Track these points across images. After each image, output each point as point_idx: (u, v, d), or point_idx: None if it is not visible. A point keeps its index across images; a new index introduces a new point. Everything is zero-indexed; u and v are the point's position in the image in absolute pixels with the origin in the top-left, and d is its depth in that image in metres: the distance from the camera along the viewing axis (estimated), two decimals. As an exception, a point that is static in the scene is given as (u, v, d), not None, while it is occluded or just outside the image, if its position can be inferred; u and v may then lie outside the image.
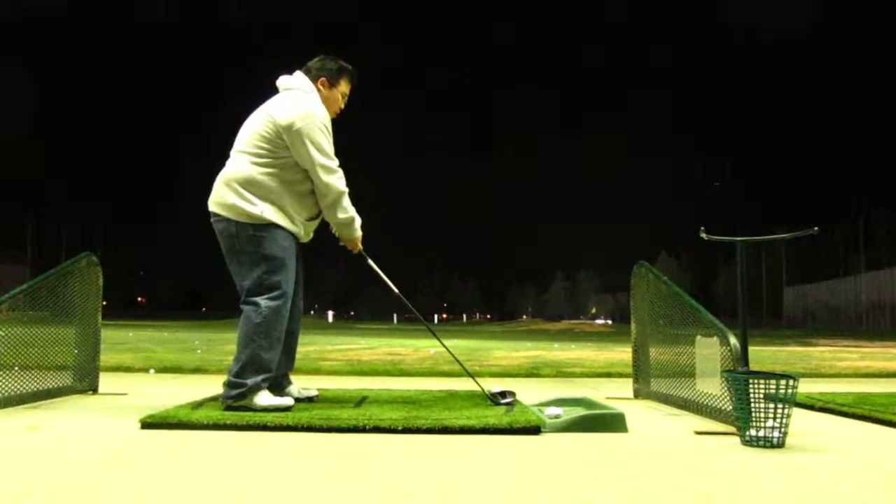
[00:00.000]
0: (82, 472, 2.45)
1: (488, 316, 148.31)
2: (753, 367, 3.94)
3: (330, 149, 3.84)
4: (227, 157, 3.93)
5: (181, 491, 2.22)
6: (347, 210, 3.94)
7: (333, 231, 4.05)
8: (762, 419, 3.03)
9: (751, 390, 3.04)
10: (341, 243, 4.10)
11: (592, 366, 8.21)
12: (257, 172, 3.78)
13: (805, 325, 58.47)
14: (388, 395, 4.45)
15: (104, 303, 4.86)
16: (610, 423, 3.44)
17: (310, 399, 4.10)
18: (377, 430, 3.26)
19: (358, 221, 4.02)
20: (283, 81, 4.02)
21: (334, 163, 3.85)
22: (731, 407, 3.29)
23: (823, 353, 13.29)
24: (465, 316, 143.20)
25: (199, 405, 3.78)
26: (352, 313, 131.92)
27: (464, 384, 5.46)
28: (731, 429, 3.32)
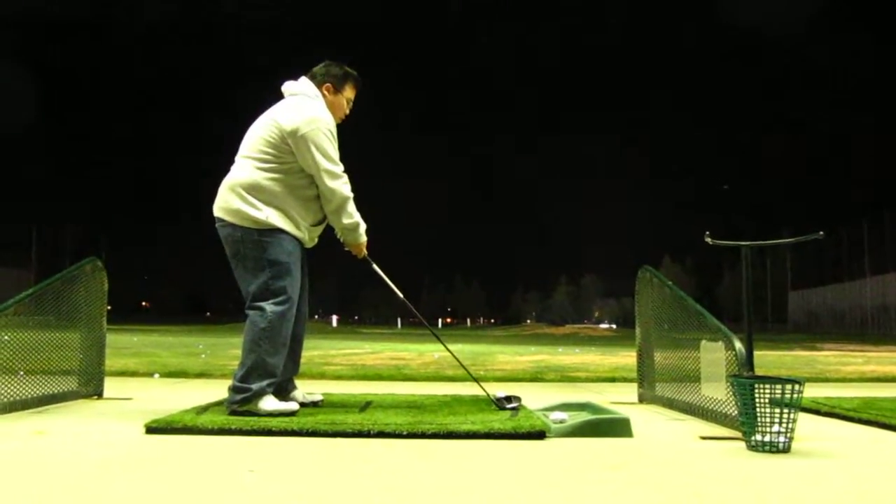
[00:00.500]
0: (88, 477, 2.45)
1: (492, 320, 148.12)
2: (758, 371, 3.94)
3: (335, 154, 3.85)
4: (232, 162, 3.95)
5: (186, 496, 2.22)
6: (353, 215, 3.94)
7: (338, 236, 4.06)
8: (768, 424, 3.02)
9: (756, 395, 3.03)
10: (346, 248, 4.10)
11: (597, 370, 8.20)
12: (262, 178, 3.78)
13: (810, 330, 58.30)
14: (393, 399, 4.45)
15: (109, 307, 4.87)
16: (615, 427, 3.43)
17: (314, 404, 4.10)
18: (382, 434, 3.26)
19: (363, 227, 4.02)
20: (288, 87, 4.03)
21: (339, 168, 3.85)
22: (736, 412, 3.28)
23: (828, 357, 13.25)
24: (468, 320, 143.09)
25: (203, 410, 3.78)
26: (356, 318, 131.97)
27: (468, 389, 5.46)
28: (737, 434, 3.31)
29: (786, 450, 3.02)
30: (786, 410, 2.99)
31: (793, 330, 60.29)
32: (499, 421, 3.50)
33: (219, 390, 4.47)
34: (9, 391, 3.88)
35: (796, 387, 2.99)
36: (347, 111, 4.13)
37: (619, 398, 5.00)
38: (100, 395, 4.71)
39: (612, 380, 6.98)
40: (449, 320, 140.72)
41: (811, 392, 4.33)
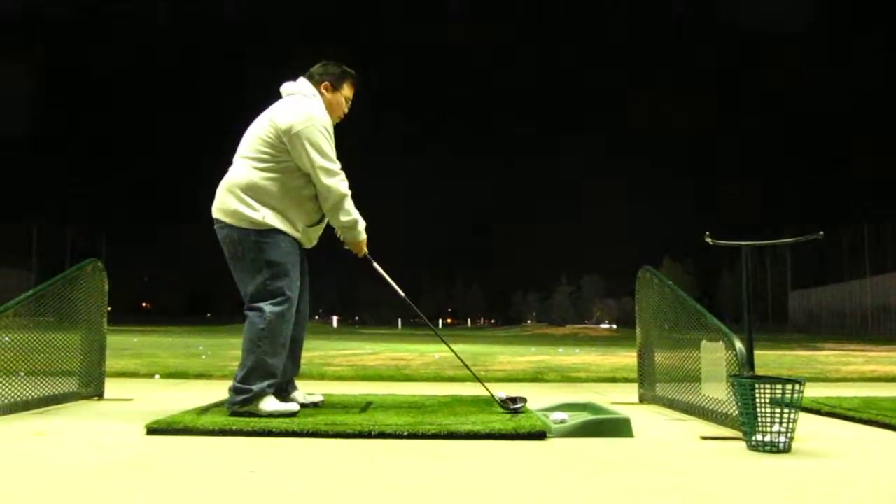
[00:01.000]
0: (88, 478, 2.45)
1: (492, 321, 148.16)
2: (759, 371, 3.94)
3: (331, 151, 3.84)
4: (230, 163, 3.95)
5: (187, 497, 2.22)
6: (350, 212, 3.92)
7: (338, 235, 4.05)
8: (768, 424, 3.02)
9: (757, 395, 3.03)
10: (346, 247, 4.09)
11: (597, 370, 8.20)
12: (259, 177, 3.78)
13: (810, 330, 58.29)
14: (394, 400, 4.45)
15: (109, 308, 4.87)
16: (615, 428, 3.43)
17: (315, 405, 4.10)
18: (383, 435, 3.26)
19: (362, 224, 4.01)
20: (286, 87, 4.04)
21: (336, 165, 3.84)
22: (736, 412, 3.28)
23: (829, 357, 13.24)
24: (469, 321, 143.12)
25: (204, 411, 3.78)
26: (356, 318, 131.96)
27: (469, 389, 5.46)
28: (737, 434, 3.32)
29: (786, 450, 3.02)
30: (786, 410, 2.99)
31: (793, 330, 60.28)
32: (500, 421, 3.50)
33: (219, 391, 4.47)
34: (10, 392, 3.88)
35: (797, 387, 2.99)
36: (346, 110, 4.13)
37: (619, 398, 5.00)
38: (100, 396, 4.71)
39: (613, 380, 6.98)
40: (449, 321, 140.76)
41: (812, 392, 4.33)
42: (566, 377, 7.30)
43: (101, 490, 2.29)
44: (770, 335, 37.67)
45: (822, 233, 4.73)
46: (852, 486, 2.48)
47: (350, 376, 7.05)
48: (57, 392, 4.30)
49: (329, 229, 4.10)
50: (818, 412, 4.34)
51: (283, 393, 3.98)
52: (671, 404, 4.40)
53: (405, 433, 3.28)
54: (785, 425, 3.01)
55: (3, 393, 3.83)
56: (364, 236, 4.04)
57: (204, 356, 10.25)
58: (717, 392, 3.70)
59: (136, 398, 4.79)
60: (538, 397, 4.79)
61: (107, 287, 4.82)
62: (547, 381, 6.97)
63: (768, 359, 11.08)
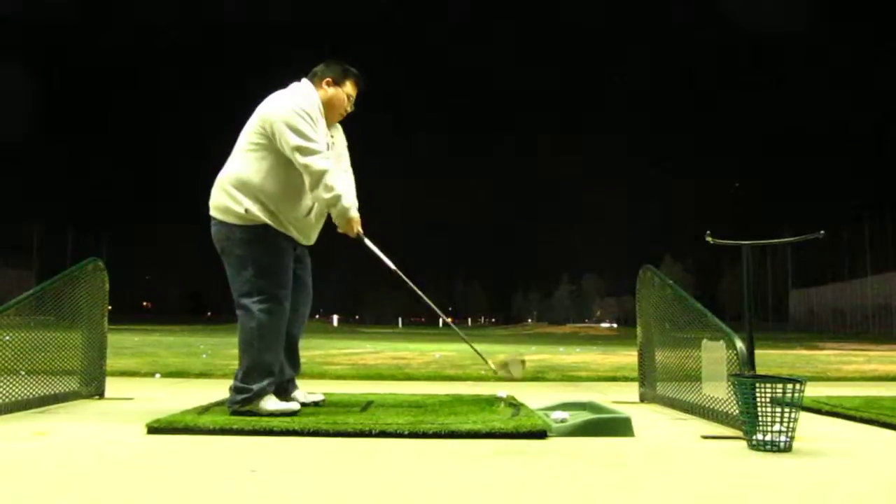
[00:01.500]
0: (89, 478, 2.45)
1: (493, 320, 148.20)
2: (760, 370, 3.93)
3: (310, 132, 3.72)
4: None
5: (188, 496, 2.22)
6: (332, 188, 3.76)
7: (333, 219, 3.92)
8: (769, 423, 3.02)
9: (757, 394, 3.03)
10: (340, 230, 3.95)
11: (598, 369, 8.20)
12: (247, 170, 3.76)
13: (811, 329, 58.32)
14: (394, 399, 4.45)
15: (110, 307, 4.87)
16: (616, 427, 3.43)
17: (316, 404, 4.10)
18: (383, 434, 3.26)
19: (347, 200, 3.84)
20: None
21: (313, 144, 3.71)
22: (737, 411, 3.28)
23: (829, 356, 13.24)
24: (469, 320, 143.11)
25: (205, 410, 3.78)
26: (356, 317, 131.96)
27: (469, 388, 5.46)
28: (738, 433, 3.31)
29: (787, 449, 3.02)
30: (787, 409, 2.99)
31: (794, 329, 60.30)
32: (500, 420, 3.50)
33: (220, 390, 4.47)
34: (10, 391, 3.88)
35: (797, 386, 2.99)
36: (349, 108, 4.07)
37: (620, 397, 4.99)
38: (101, 395, 4.71)
39: (614, 379, 6.98)
40: (450, 320, 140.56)
41: (812, 391, 4.33)
42: (567, 376, 7.30)
43: (102, 490, 2.29)
44: (771, 334, 37.67)
45: (822, 232, 4.73)
46: (853, 485, 2.47)
47: (351, 375, 7.05)
48: (57, 391, 4.30)
49: (327, 228, 4.09)
50: (819, 411, 4.34)
51: (284, 392, 3.98)
52: (672, 403, 4.40)
53: (406, 432, 3.28)
54: (786, 424, 3.00)
55: (4, 392, 3.83)
56: (353, 213, 3.88)
57: (204, 355, 10.25)
58: (718, 391, 3.70)
59: (137, 397, 4.79)
60: (539, 396, 4.79)
61: (107, 286, 4.82)
62: (548, 380, 6.98)
63: (769, 358, 11.08)
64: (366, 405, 4.10)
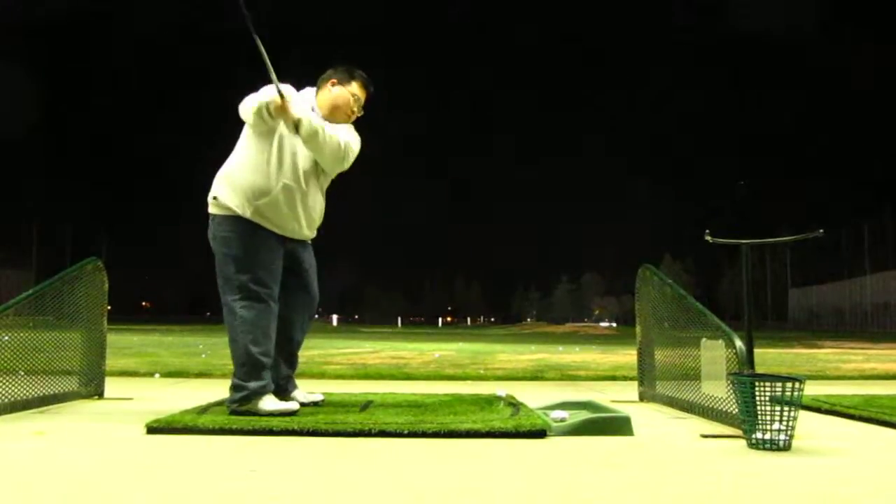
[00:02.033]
0: (89, 478, 2.45)
1: (492, 319, 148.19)
2: (759, 369, 3.94)
3: (257, 94, 3.71)
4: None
5: (187, 496, 2.22)
6: (246, 102, 3.74)
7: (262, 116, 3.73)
8: (768, 422, 3.02)
9: (756, 393, 3.03)
10: (296, 130, 3.71)
11: (597, 369, 8.20)
12: (228, 160, 3.87)
13: (810, 327, 58.31)
14: (394, 399, 4.45)
15: (109, 307, 4.87)
16: (616, 426, 3.43)
17: (315, 404, 4.10)
18: (383, 434, 3.26)
19: (261, 96, 3.69)
20: None
21: (253, 95, 3.73)
22: (736, 410, 3.28)
23: (829, 355, 13.25)
24: (468, 319, 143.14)
25: (204, 410, 3.78)
26: (356, 317, 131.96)
27: (469, 388, 5.47)
28: (737, 432, 3.32)
29: (786, 448, 3.02)
30: (786, 408, 2.99)
31: (793, 328, 60.34)
32: (500, 420, 3.50)
33: (219, 390, 4.47)
34: (9, 391, 3.88)
35: (797, 385, 2.99)
36: (356, 109, 4.02)
37: (619, 396, 5.00)
38: (100, 395, 4.71)
39: (613, 378, 6.98)
40: (449, 319, 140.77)
41: (811, 390, 4.33)
42: (566, 375, 7.30)
43: (102, 489, 2.29)
44: (770, 333, 37.68)
45: (821, 231, 4.74)
46: (852, 483, 2.48)
47: (350, 375, 7.05)
48: (57, 391, 4.30)
49: (325, 226, 4.10)
50: (818, 410, 4.34)
51: (283, 392, 3.98)
52: (671, 402, 4.41)
53: (405, 432, 3.28)
54: (785, 423, 3.01)
55: (3, 392, 3.83)
56: (268, 99, 3.64)
57: (204, 355, 10.25)
58: (717, 390, 3.71)
59: (136, 397, 4.79)
60: (538, 396, 4.79)
61: (107, 286, 4.82)
62: (547, 379, 6.98)
63: (768, 357, 11.08)
64: (365, 405, 4.10)
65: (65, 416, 3.91)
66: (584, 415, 3.61)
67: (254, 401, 3.63)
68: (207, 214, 3.89)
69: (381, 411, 3.81)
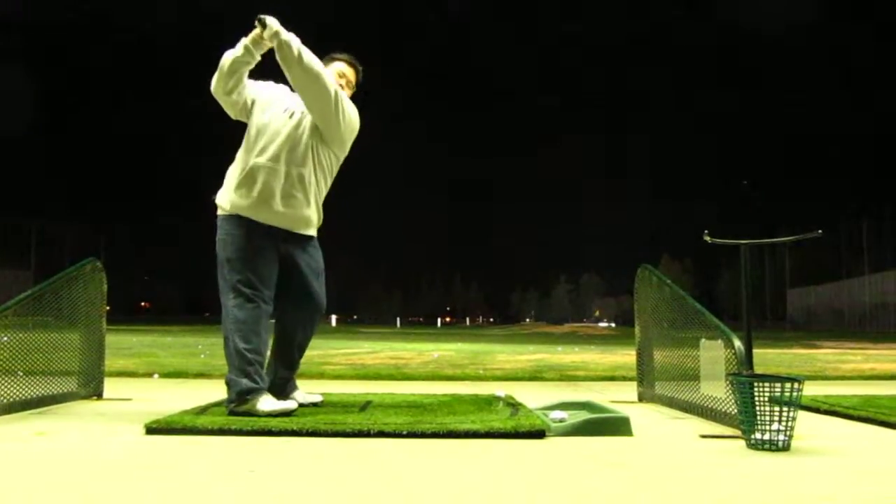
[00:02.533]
0: (88, 478, 2.45)
1: (491, 319, 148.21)
2: (758, 369, 3.94)
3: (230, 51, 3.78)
4: (230, 162, 3.97)
5: (187, 497, 2.22)
6: (227, 55, 3.78)
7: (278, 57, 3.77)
8: (767, 422, 3.02)
9: (755, 393, 3.04)
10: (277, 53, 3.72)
11: (596, 369, 8.20)
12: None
13: (809, 328, 58.32)
14: (393, 399, 4.45)
15: (108, 308, 4.87)
16: (615, 426, 3.44)
17: (314, 404, 4.10)
18: (382, 434, 3.26)
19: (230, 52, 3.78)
20: None
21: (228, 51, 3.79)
22: (735, 410, 3.29)
23: (828, 355, 13.25)
24: (467, 319, 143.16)
25: (203, 410, 3.78)
26: (354, 317, 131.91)
27: (468, 388, 5.47)
28: (737, 432, 3.32)
29: (785, 448, 3.03)
30: (785, 409, 3.00)
31: (792, 328, 60.33)
32: (499, 420, 3.50)
33: (218, 390, 4.47)
34: (8, 392, 3.88)
35: (795, 385, 2.99)
36: (344, 85, 4.03)
37: (618, 397, 5.00)
38: (99, 395, 4.71)
39: (612, 378, 6.98)
40: (448, 319, 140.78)
41: (810, 390, 4.34)
42: (565, 376, 7.30)
43: (101, 490, 2.29)
44: (769, 333, 37.69)
45: (820, 231, 4.74)
46: (851, 484, 2.48)
47: (349, 375, 7.05)
48: (56, 392, 4.30)
49: (325, 226, 4.09)
50: (817, 410, 4.34)
51: (282, 393, 3.98)
52: (670, 403, 4.41)
53: (404, 432, 3.28)
54: (784, 423, 3.01)
55: (2, 393, 3.83)
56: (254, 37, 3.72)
57: (203, 355, 10.24)
58: (716, 390, 3.71)
59: (135, 398, 4.78)
60: (537, 396, 4.80)
61: (105, 286, 4.82)
62: (546, 379, 6.98)
63: (767, 357, 11.08)
64: (364, 405, 4.10)
65: (64, 416, 3.91)
66: (583, 415, 3.61)
67: (252, 401, 3.63)
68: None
69: (380, 412, 3.81)
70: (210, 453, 2.91)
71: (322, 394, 4.34)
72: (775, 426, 3.01)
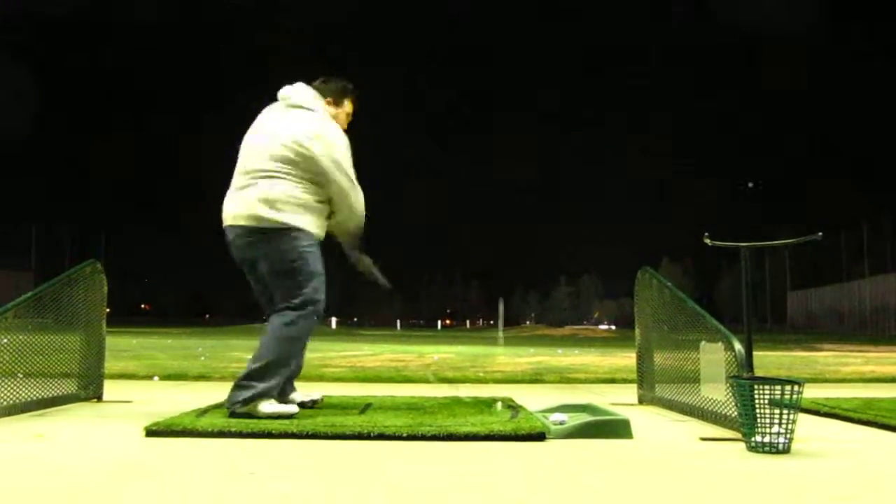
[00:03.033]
0: (88, 481, 2.45)
1: (491, 322, 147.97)
2: (758, 372, 3.94)
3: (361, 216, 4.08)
4: (230, 164, 3.95)
5: (187, 499, 2.22)
6: (361, 206, 4.05)
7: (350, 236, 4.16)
8: (767, 425, 3.02)
9: (756, 396, 3.03)
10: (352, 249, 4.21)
11: (596, 372, 8.20)
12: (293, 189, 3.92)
13: (809, 330, 58.25)
14: (393, 401, 4.45)
15: (108, 310, 4.87)
16: (615, 429, 3.43)
17: (314, 403, 4.10)
18: (382, 437, 3.26)
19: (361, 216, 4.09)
20: (288, 96, 4.01)
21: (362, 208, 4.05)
22: (736, 413, 3.28)
23: (828, 357, 13.25)
24: (468, 322, 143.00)
25: (203, 412, 3.78)
26: (354, 319, 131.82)
27: (468, 390, 5.47)
28: (737, 435, 3.31)
29: (786, 450, 3.02)
30: (785, 411, 3.00)
31: (792, 330, 60.29)
32: (499, 423, 3.50)
33: (218, 392, 4.46)
34: (8, 394, 3.87)
35: (796, 387, 2.99)
36: (345, 126, 4.16)
37: (618, 399, 5.00)
38: (99, 397, 4.71)
39: (612, 381, 6.97)
40: (448, 322, 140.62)
41: (810, 393, 4.33)
42: (565, 378, 7.30)
43: (101, 492, 2.29)
44: (769, 336, 37.68)
45: (820, 234, 4.74)
46: (852, 486, 2.48)
47: (349, 378, 7.04)
48: (56, 394, 4.30)
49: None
50: (817, 413, 4.34)
51: (282, 394, 3.97)
52: (670, 405, 4.40)
53: (404, 434, 3.28)
54: (784, 426, 3.01)
55: (2, 395, 3.82)
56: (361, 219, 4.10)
57: (203, 358, 10.24)
58: (717, 393, 3.71)
59: (135, 400, 4.78)
60: (537, 398, 4.79)
61: (106, 288, 4.81)
62: (546, 382, 6.97)
63: (767, 360, 11.08)
64: (364, 407, 4.10)
65: (64, 418, 3.91)
66: (583, 418, 3.61)
67: (256, 402, 3.62)
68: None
69: (380, 414, 3.81)
70: (210, 455, 2.91)
71: (322, 396, 4.34)
72: (776, 429, 3.01)
